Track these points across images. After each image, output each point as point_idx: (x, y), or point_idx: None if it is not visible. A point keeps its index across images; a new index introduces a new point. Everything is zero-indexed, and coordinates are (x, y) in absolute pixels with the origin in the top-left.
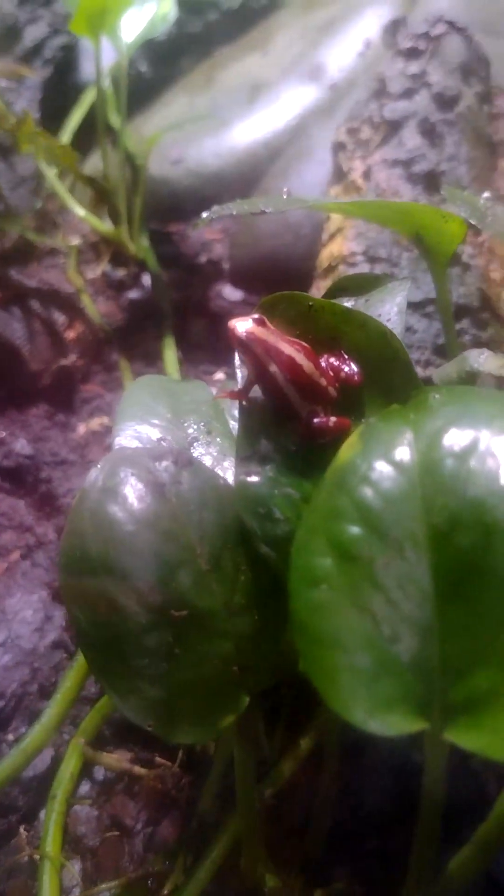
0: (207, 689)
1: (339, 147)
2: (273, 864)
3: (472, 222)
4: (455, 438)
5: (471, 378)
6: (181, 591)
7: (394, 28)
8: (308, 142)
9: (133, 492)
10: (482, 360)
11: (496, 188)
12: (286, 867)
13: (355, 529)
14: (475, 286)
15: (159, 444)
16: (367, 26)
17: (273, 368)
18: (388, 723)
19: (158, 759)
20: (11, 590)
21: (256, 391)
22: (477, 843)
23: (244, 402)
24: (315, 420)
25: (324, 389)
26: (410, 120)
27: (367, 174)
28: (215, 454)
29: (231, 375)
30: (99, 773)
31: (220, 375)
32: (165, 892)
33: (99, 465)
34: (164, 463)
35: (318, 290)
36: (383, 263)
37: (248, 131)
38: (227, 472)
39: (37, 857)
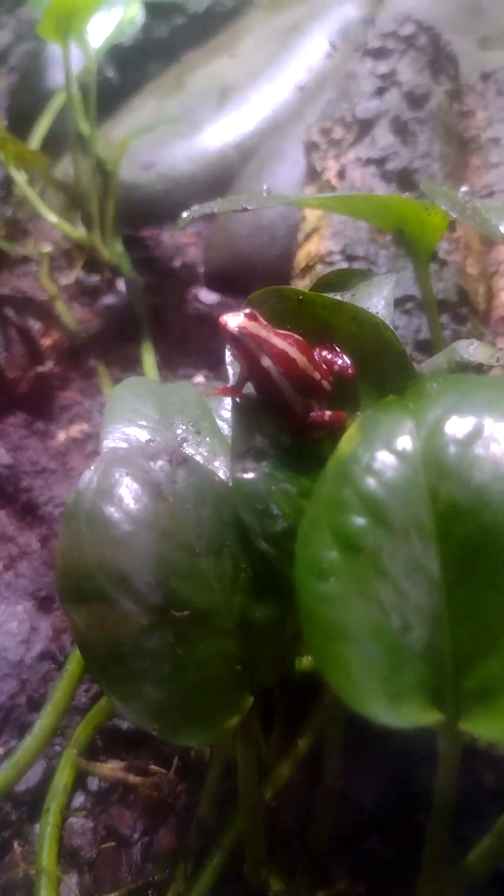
0: (211, 689)
1: (311, 147)
2: (275, 866)
3: (454, 215)
4: (457, 426)
5: (460, 369)
6: (181, 590)
7: (362, 28)
8: (279, 143)
9: (129, 492)
10: (472, 350)
11: (469, 184)
12: (288, 869)
13: (360, 520)
14: (453, 281)
15: (148, 445)
16: (334, 27)
17: (266, 363)
18: (402, 715)
19: (153, 767)
20: None
21: (249, 388)
22: (498, 834)
23: (237, 399)
24: (310, 414)
25: (318, 383)
26: (382, 118)
27: (341, 173)
28: (206, 453)
29: (213, 377)
30: (93, 783)
31: (199, 378)
32: None
33: (93, 467)
34: (159, 462)
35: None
36: (361, 261)
37: (219, 134)
38: (219, 470)
39: (32, 872)
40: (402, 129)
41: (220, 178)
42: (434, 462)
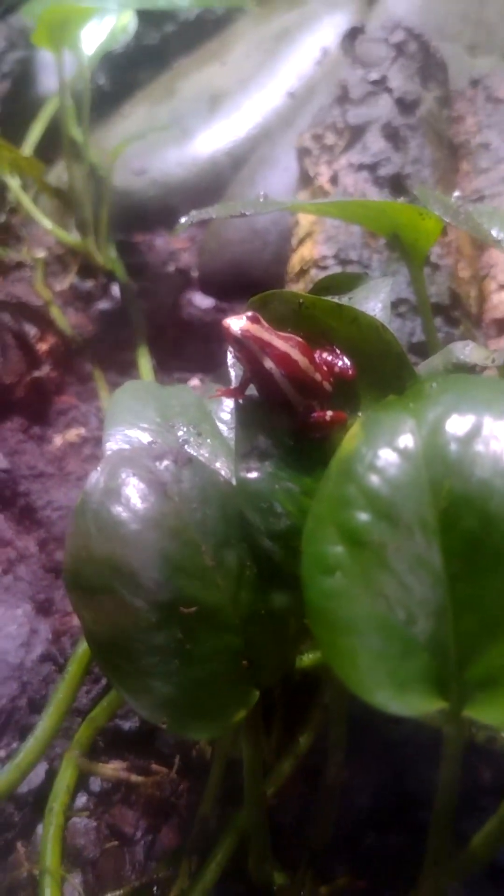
0: (218, 684)
1: (304, 153)
2: (278, 862)
3: (447, 220)
4: (457, 424)
5: (456, 370)
6: (188, 587)
7: (352, 35)
8: (271, 149)
9: (136, 492)
10: (467, 351)
11: (460, 189)
12: (290, 865)
13: (364, 516)
14: (445, 285)
15: (152, 446)
16: (324, 35)
17: (269, 365)
18: (408, 703)
19: (155, 767)
20: None
21: (251, 389)
22: (501, 818)
23: (240, 400)
24: (312, 415)
25: (319, 384)
26: (373, 124)
27: (333, 179)
28: (207, 455)
29: (208, 380)
30: (95, 784)
31: (194, 382)
32: None
33: (99, 468)
34: (165, 462)
35: None
36: (354, 266)
37: (210, 141)
38: (220, 471)
39: (36, 872)
40: (393, 135)
41: (212, 184)
42: (436, 459)
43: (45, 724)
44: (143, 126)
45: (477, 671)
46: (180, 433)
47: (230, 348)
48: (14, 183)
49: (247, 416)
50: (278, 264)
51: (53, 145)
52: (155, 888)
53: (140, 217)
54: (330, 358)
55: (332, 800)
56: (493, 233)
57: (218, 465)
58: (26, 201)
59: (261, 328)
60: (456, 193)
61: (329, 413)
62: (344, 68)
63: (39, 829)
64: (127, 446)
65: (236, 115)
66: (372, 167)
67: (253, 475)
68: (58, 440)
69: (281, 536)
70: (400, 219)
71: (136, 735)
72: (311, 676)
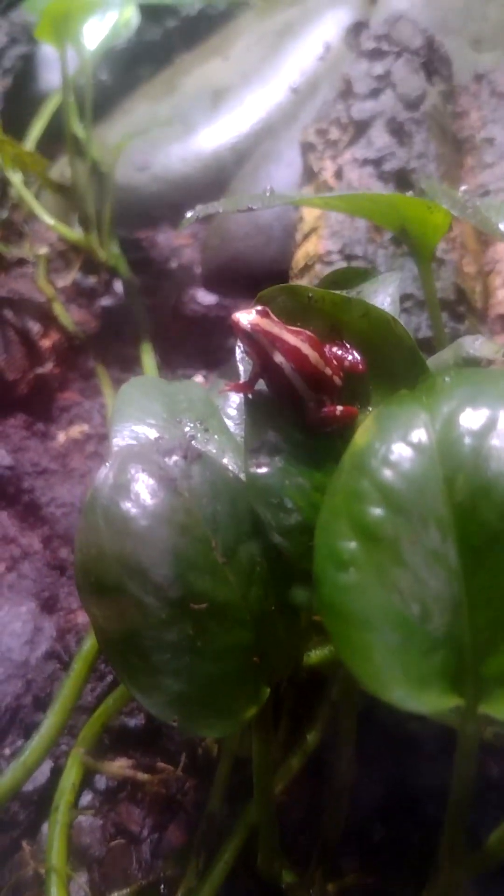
0: (229, 680)
1: (308, 148)
2: (286, 859)
3: (455, 214)
4: (471, 418)
5: (467, 364)
6: (198, 583)
7: (356, 30)
8: (274, 145)
9: (145, 487)
10: (477, 345)
11: (465, 184)
12: (299, 862)
13: (378, 511)
14: (450, 280)
15: (160, 441)
16: (326, 29)
17: (279, 359)
18: (424, 700)
19: (161, 765)
20: None
21: (260, 384)
22: None
23: (250, 395)
24: (322, 409)
25: (329, 379)
26: (378, 119)
27: (338, 173)
28: (214, 450)
29: (212, 376)
30: (101, 782)
31: (198, 378)
32: None
33: (108, 463)
34: (174, 458)
35: None
36: (359, 261)
37: (213, 136)
38: (228, 466)
39: (42, 871)
40: (397, 130)
41: (216, 179)
42: (450, 453)
43: (50, 721)
44: (146, 122)
45: (493, 667)
46: (187, 429)
47: (239, 343)
48: (16, 179)
49: (256, 411)
50: (282, 260)
51: (56, 141)
52: (162, 887)
53: (143, 213)
54: (340, 352)
55: (341, 797)
56: (502, 227)
57: (225, 460)
58: (29, 197)
59: (270, 322)
60: (463, 188)
61: (339, 408)
62: (347, 63)
63: (45, 827)
64: (134, 442)
65: (239, 111)
66: (376, 162)
67: (263, 470)
68: (61, 437)
69: (291, 532)
70: (408, 213)
71: (142, 732)
72: (319, 672)
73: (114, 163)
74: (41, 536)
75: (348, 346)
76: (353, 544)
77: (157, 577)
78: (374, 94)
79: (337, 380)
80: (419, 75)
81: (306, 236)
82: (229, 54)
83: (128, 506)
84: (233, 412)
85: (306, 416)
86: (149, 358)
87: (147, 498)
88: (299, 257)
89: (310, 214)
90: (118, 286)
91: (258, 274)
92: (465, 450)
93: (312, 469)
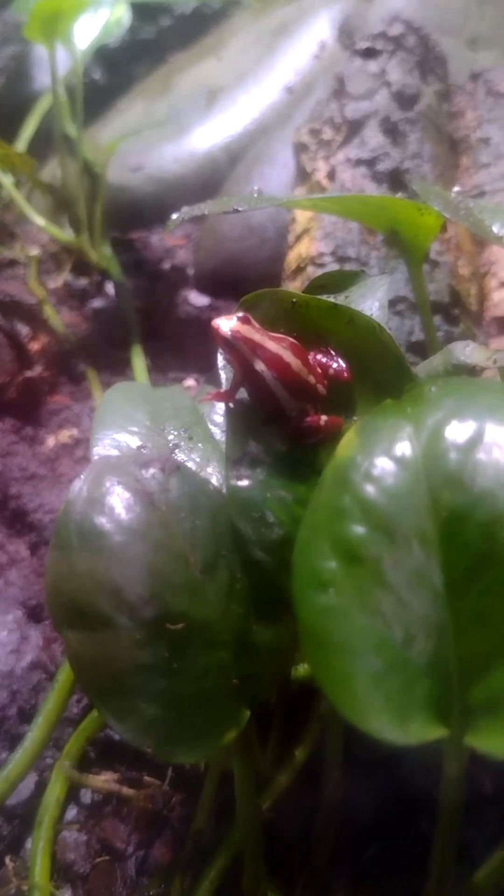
0: (207, 703)
1: (301, 148)
2: (274, 880)
3: (447, 216)
4: (458, 431)
5: (457, 371)
6: (176, 602)
7: (350, 29)
8: (268, 145)
9: (120, 501)
10: (468, 352)
11: (460, 184)
12: (287, 882)
13: (360, 529)
14: (445, 282)
15: (139, 451)
16: (321, 29)
17: (260, 367)
18: (407, 731)
19: (147, 779)
20: None
21: (242, 392)
22: None
23: (231, 404)
24: (306, 419)
25: (313, 387)
26: (372, 119)
27: (331, 174)
28: (198, 459)
29: (204, 380)
30: (86, 796)
31: (190, 381)
32: None
33: (83, 476)
34: (152, 470)
35: None
36: (352, 263)
37: (207, 136)
38: (212, 476)
39: (25, 888)
40: (392, 130)
41: (209, 180)
42: (435, 468)
43: (34, 734)
44: (139, 121)
45: (480, 695)
46: (171, 437)
47: (220, 350)
48: (7, 180)
49: (237, 421)
50: (276, 261)
51: (47, 142)
52: None
53: (135, 214)
54: (324, 360)
55: (331, 817)
56: (495, 229)
57: (210, 469)
58: (19, 198)
59: (251, 329)
60: (456, 189)
61: (323, 417)
62: (342, 62)
63: (28, 842)
64: (115, 451)
65: (233, 111)
66: (370, 162)
67: (244, 483)
68: (50, 441)
69: (273, 547)
70: (399, 215)
71: (128, 746)
72: (308, 686)
73: (106, 163)
74: (28, 543)
75: (333, 353)
76: (333, 564)
77: (132, 596)
78: (369, 93)
79: (321, 388)
80: (414, 74)
81: (299, 238)
82: (224, 54)
83: (102, 521)
84: (219, 419)
85: (289, 427)
86: (139, 361)
87: (122, 512)
88: (291, 259)
89: (302, 216)
90: (110, 288)
91: (251, 275)
92: (450, 465)
93: (295, 482)
